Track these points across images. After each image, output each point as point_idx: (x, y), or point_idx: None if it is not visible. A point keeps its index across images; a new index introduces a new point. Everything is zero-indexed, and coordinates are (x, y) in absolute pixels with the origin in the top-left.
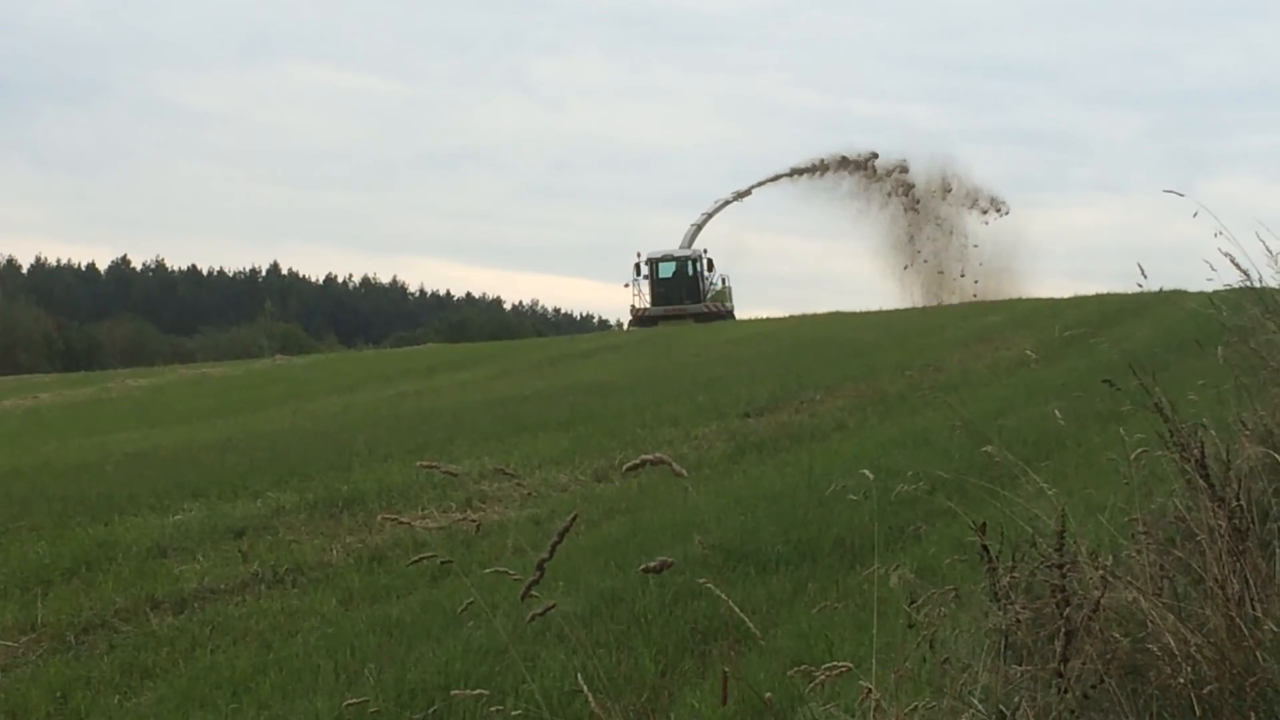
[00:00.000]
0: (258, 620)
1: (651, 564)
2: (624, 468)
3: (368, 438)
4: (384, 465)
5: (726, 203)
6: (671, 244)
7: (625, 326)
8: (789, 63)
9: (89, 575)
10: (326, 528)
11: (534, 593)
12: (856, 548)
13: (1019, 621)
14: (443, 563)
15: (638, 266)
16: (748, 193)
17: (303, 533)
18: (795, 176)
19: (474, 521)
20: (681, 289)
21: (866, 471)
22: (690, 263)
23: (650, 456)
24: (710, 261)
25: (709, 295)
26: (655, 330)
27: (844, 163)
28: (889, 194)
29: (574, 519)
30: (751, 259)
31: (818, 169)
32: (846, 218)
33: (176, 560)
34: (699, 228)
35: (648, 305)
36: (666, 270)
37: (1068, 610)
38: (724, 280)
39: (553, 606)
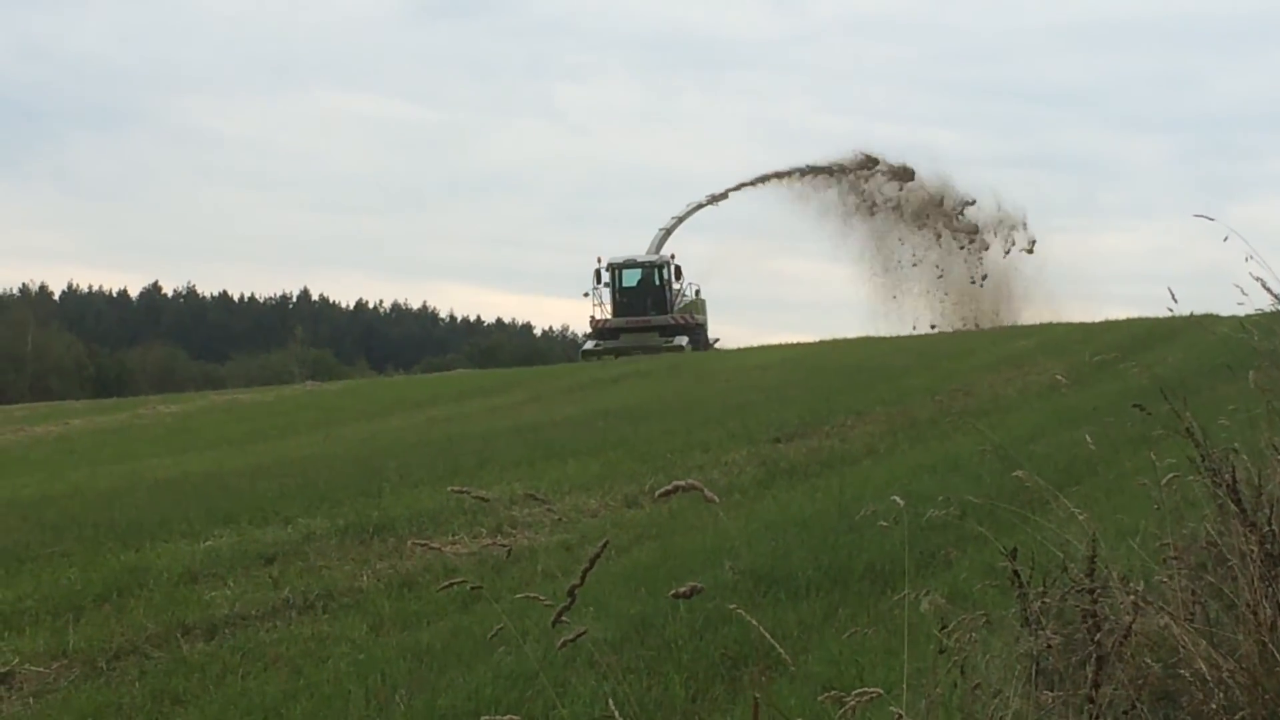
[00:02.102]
0: (288, 646)
1: (682, 589)
2: (657, 493)
3: (398, 463)
4: (414, 491)
5: (700, 205)
6: (699, 266)
7: (583, 343)
8: (814, 87)
9: (120, 601)
10: (357, 553)
11: (564, 618)
12: (887, 573)
13: (1050, 647)
14: (473, 588)
15: (598, 273)
16: (724, 196)
17: (333, 559)
18: (778, 180)
19: (504, 546)
20: (646, 298)
21: (897, 498)
22: (656, 269)
23: (683, 482)
24: (678, 269)
25: (677, 306)
26: (684, 356)
27: (838, 169)
28: (890, 205)
29: (605, 545)
30: (779, 283)
31: (804, 173)
32: (837, 228)
33: (207, 586)
34: (668, 232)
35: (608, 316)
36: (630, 278)
37: (1099, 636)
38: (697, 291)
39: (584, 633)
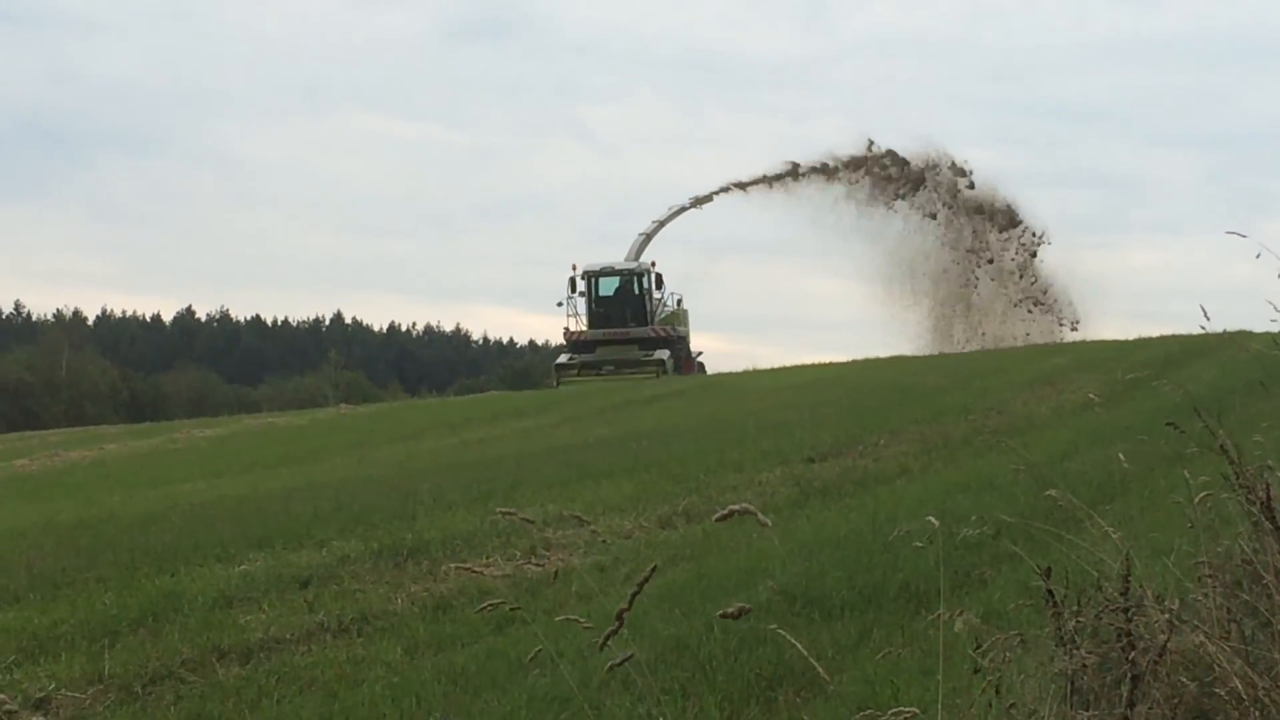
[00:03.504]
0: (323, 670)
1: (730, 610)
2: (714, 517)
3: (432, 486)
4: (448, 513)
5: (683, 209)
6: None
7: (558, 357)
8: (844, 106)
9: (155, 626)
10: (391, 576)
11: (609, 642)
12: (922, 592)
13: (1085, 666)
14: (511, 609)
15: (573, 282)
16: (709, 199)
17: (368, 582)
18: (767, 184)
19: (538, 566)
20: (625, 309)
21: (932, 518)
22: (636, 278)
23: (737, 507)
24: (659, 277)
25: (658, 317)
26: (716, 377)
27: (833, 168)
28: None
29: (653, 570)
30: (812, 302)
31: (794, 174)
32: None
33: (242, 610)
34: (649, 237)
35: (584, 328)
36: (608, 287)
37: (1134, 654)
38: (679, 301)
39: (630, 656)
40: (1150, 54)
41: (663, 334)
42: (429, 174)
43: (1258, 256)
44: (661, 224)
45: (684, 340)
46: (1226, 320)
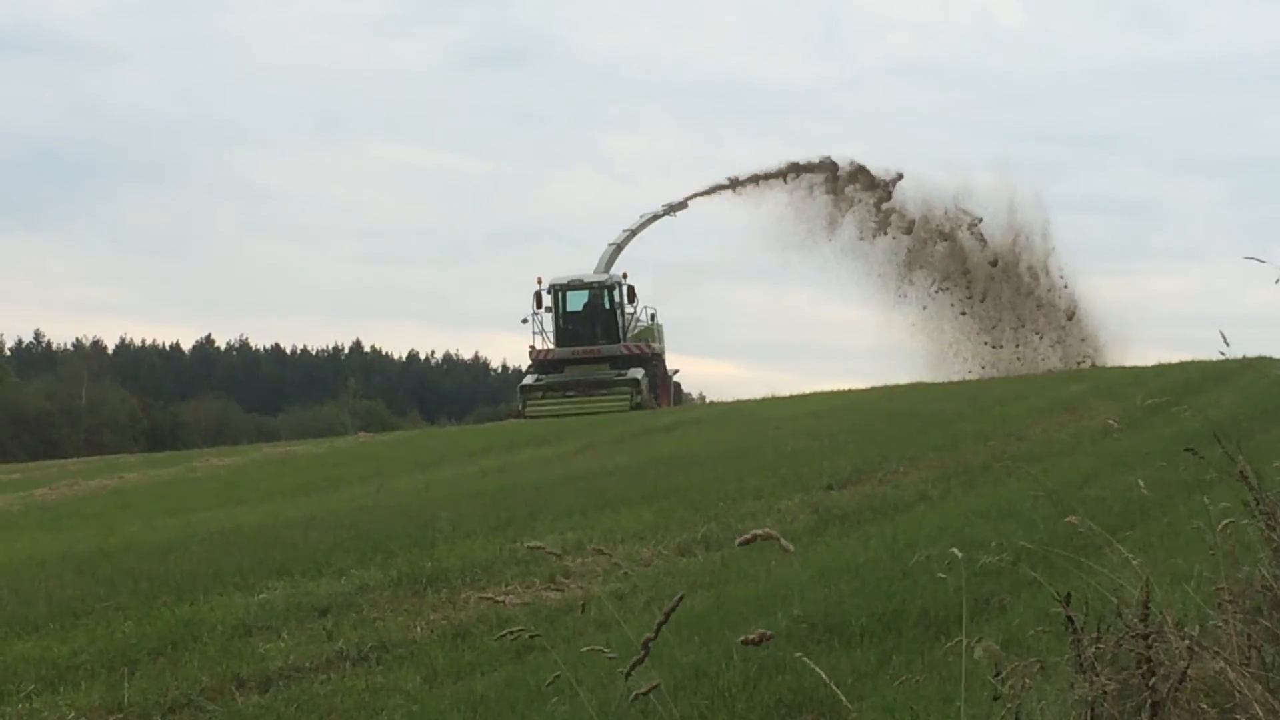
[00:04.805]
0: (342, 699)
1: (750, 636)
2: (737, 542)
3: (451, 514)
4: (467, 541)
5: (656, 216)
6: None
7: (523, 377)
8: (859, 132)
9: (175, 655)
10: (410, 605)
11: (623, 667)
12: (941, 619)
13: (1105, 693)
14: (531, 636)
15: (538, 296)
16: (683, 205)
17: (387, 610)
18: (741, 187)
19: (558, 594)
20: (594, 325)
21: (956, 550)
22: (606, 291)
23: (760, 531)
24: (631, 290)
25: (630, 333)
26: (735, 405)
27: (810, 168)
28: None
29: (680, 599)
30: (830, 329)
31: (774, 176)
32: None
33: (261, 639)
34: (619, 247)
35: (550, 346)
36: (575, 301)
37: (1154, 681)
38: (652, 316)
39: (656, 685)
40: (1168, 79)
41: (636, 351)
42: (447, 202)
43: (1276, 282)
44: (633, 233)
45: (659, 358)
46: (1246, 346)
